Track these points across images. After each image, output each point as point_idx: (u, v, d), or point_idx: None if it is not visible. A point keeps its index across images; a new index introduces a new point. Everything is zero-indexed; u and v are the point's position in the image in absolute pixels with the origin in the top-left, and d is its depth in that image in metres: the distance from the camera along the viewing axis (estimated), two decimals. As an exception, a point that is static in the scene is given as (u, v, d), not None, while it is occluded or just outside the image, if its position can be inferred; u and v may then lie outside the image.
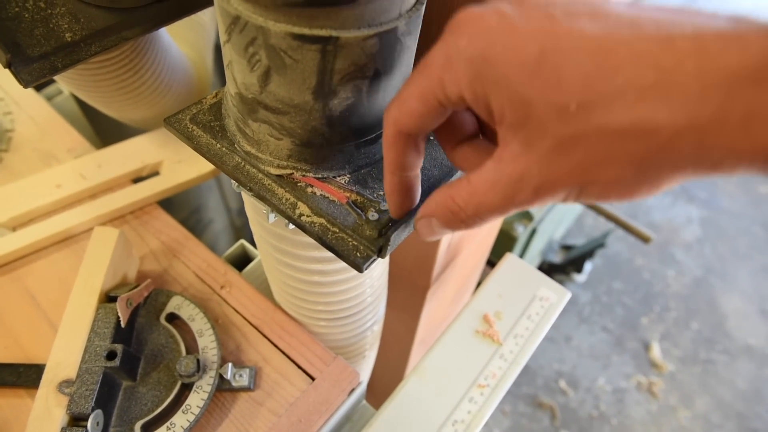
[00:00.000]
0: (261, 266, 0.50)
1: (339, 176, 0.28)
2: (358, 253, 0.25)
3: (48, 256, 0.46)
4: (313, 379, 0.40)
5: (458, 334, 0.45)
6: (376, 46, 0.22)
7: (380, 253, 0.25)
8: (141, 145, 0.53)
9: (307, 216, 0.27)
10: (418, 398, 0.42)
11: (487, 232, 0.62)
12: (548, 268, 1.51)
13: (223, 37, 0.25)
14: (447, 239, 0.47)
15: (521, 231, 1.01)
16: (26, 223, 0.48)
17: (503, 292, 0.48)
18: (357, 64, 0.23)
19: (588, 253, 1.43)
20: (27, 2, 0.28)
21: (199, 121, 0.30)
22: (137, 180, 0.51)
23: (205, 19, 0.66)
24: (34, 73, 0.28)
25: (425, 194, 0.27)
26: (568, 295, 0.49)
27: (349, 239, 0.26)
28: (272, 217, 0.30)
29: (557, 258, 1.52)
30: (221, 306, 0.43)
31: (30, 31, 0.28)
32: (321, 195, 0.27)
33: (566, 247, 1.55)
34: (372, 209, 0.26)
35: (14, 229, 0.47)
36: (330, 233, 0.26)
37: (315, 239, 0.26)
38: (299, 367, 0.40)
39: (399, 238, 0.26)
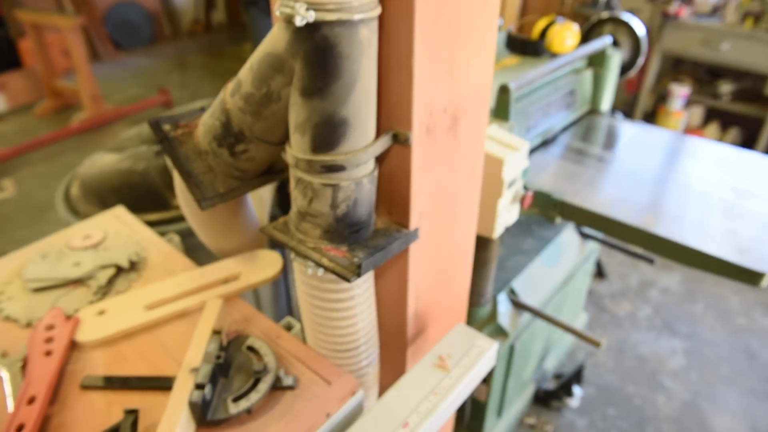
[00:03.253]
0: (300, 332, 0.78)
1: (341, 246, 0.59)
2: (349, 274, 0.56)
3: (171, 324, 0.76)
4: (329, 383, 0.66)
5: (423, 365, 0.71)
6: (353, 188, 0.56)
7: (358, 273, 0.56)
8: (228, 264, 0.86)
9: (327, 262, 0.58)
10: (394, 401, 0.67)
11: (456, 316, 0.89)
12: (543, 395, 1.68)
13: (292, 184, 0.59)
14: (413, 308, 0.75)
15: (499, 345, 1.26)
16: (159, 305, 0.79)
17: (453, 342, 0.75)
18: (347, 194, 0.56)
19: (574, 377, 1.62)
20: (206, 175, 0.64)
21: (277, 228, 0.63)
22: (226, 282, 0.83)
23: (263, 192, 1.04)
24: (207, 205, 0.62)
25: (380, 251, 0.58)
26: (496, 344, 0.75)
27: (346, 270, 0.56)
28: (310, 270, 0.61)
29: (551, 385, 1.70)
30: (277, 348, 0.71)
31: (206, 186, 0.63)
32: (333, 254, 0.59)
33: (557, 376, 1.73)
34: (355, 257, 0.58)
35: (150, 308, 0.78)
36: (338, 267, 0.57)
37: (330, 272, 0.57)
38: (321, 377, 0.67)
39: (368, 268, 0.56)
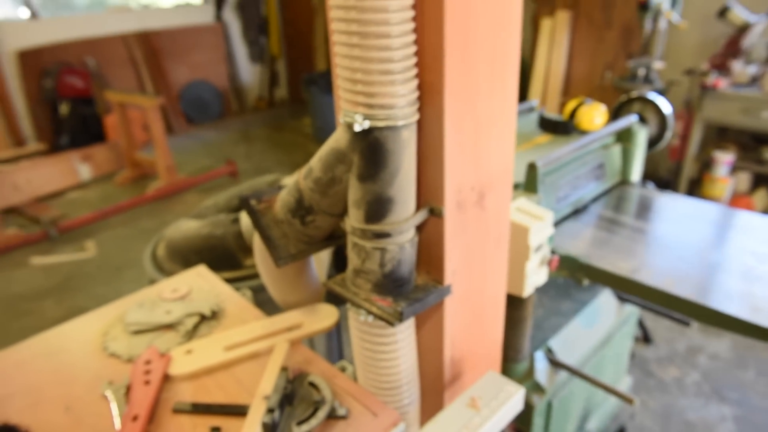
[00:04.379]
0: (352, 374, 0.91)
1: (388, 297, 0.74)
2: (393, 319, 0.69)
3: (245, 363, 0.91)
4: (376, 415, 0.78)
5: (457, 404, 0.82)
6: (397, 250, 0.71)
7: (401, 319, 0.69)
8: (292, 315, 1.01)
9: (376, 310, 0.72)
10: (432, 433, 0.77)
11: (489, 365, 1.00)
12: (587, 458, 1.69)
13: (349, 248, 0.74)
14: (449, 355, 0.87)
15: (537, 401, 1.33)
16: (235, 347, 0.94)
17: (484, 386, 0.86)
18: (393, 255, 0.71)
19: (617, 440, 1.63)
20: (282, 240, 0.80)
21: (336, 282, 0.78)
22: (290, 330, 0.97)
23: (323, 255, 1.20)
24: (282, 263, 0.79)
25: (419, 301, 0.72)
26: (522, 389, 0.85)
27: (391, 316, 0.70)
28: (362, 317, 0.76)
29: (594, 448, 1.71)
30: (333, 385, 0.84)
31: (282, 249, 0.80)
32: (381, 304, 0.73)
33: (602, 439, 1.74)
34: (398, 306, 0.71)
35: (228, 350, 0.93)
36: (384, 314, 0.71)
37: (379, 319, 0.71)
38: (369, 410, 0.79)
39: (408, 315, 0.70)
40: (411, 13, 0.63)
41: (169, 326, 1.03)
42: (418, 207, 0.74)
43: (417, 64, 0.66)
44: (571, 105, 1.57)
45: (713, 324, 0.98)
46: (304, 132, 6.71)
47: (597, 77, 4.11)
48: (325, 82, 5.89)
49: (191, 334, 1.00)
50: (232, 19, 7.71)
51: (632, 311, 1.70)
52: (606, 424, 1.89)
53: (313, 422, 0.74)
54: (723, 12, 3.21)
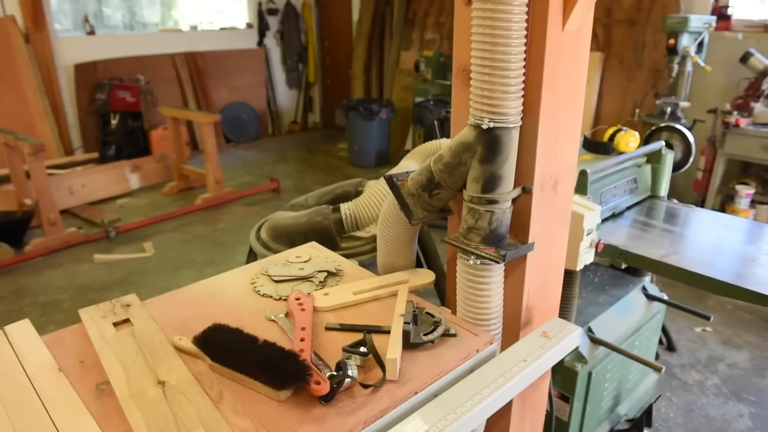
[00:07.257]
0: (450, 313, 1.22)
1: (491, 247, 1.05)
2: (499, 259, 1.01)
3: (370, 303, 1.22)
4: (477, 335, 1.09)
5: (533, 335, 1.12)
6: (501, 213, 1.03)
7: (504, 259, 1.01)
8: (400, 274, 1.32)
9: (486, 254, 1.03)
10: (517, 348, 1.07)
11: (550, 317, 1.29)
12: (617, 435, 1.94)
13: (465, 212, 1.06)
14: (526, 301, 1.17)
15: (579, 368, 1.61)
16: (361, 293, 1.25)
17: (552, 325, 1.15)
18: (498, 217, 1.03)
19: (645, 416, 1.89)
20: (414, 207, 1.13)
21: (451, 238, 1.10)
22: (399, 284, 1.29)
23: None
24: (415, 222, 1.11)
25: (514, 250, 1.04)
26: (579, 329, 1.15)
27: (497, 258, 1.02)
28: (472, 261, 1.07)
29: (623, 427, 1.96)
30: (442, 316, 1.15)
31: (414, 212, 1.12)
32: (488, 251, 1.04)
33: (630, 420, 2.00)
34: (501, 252, 1.03)
35: (356, 294, 1.25)
36: (493, 256, 1.02)
37: (488, 260, 1.03)
38: (471, 332, 1.10)
39: (510, 258, 1.01)
40: (523, 55, 0.96)
41: (304, 278, 1.35)
42: (515, 185, 1.06)
43: (524, 89, 1.00)
44: (610, 131, 1.89)
45: (727, 294, 1.26)
46: (338, 156, 7.05)
47: (627, 113, 4.43)
48: (366, 109, 6.24)
49: (323, 284, 1.32)
50: (273, 45, 8.16)
51: (658, 309, 1.98)
52: (635, 413, 2.14)
53: (435, 334, 1.05)
54: (745, 58, 3.53)
